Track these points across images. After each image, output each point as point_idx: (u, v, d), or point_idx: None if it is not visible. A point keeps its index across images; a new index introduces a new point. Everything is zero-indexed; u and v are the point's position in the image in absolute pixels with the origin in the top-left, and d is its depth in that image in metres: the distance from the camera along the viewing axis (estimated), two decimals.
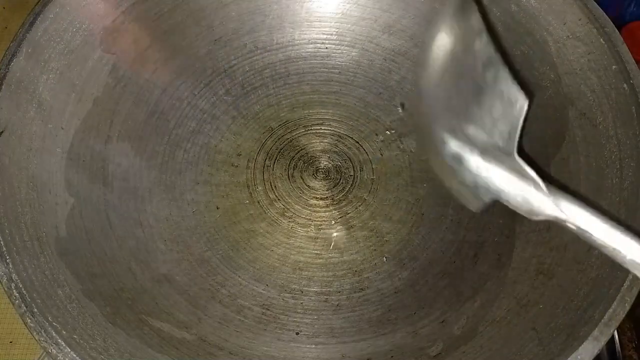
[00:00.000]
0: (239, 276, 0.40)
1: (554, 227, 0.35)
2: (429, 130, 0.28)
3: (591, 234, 0.23)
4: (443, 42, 0.27)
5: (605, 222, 0.23)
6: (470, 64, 0.26)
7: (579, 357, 0.28)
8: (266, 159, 0.44)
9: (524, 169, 0.24)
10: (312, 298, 0.39)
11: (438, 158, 0.28)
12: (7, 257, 0.29)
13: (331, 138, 0.44)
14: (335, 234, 0.41)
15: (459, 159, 0.27)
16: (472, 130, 0.26)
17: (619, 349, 0.41)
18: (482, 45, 0.26)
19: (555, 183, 0.25)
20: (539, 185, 0.24)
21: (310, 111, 0.45)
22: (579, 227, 0.23)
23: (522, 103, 0.24)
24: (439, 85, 0.27)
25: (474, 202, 0.27)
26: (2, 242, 0.30)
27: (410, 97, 0.28)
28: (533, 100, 0.38)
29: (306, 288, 0.39)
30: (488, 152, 0.26)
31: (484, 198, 0.26)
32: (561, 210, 0.24)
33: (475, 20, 0.26)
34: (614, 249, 0.23)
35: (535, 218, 0.25)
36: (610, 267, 0.30)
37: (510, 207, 0.25)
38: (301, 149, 0.44)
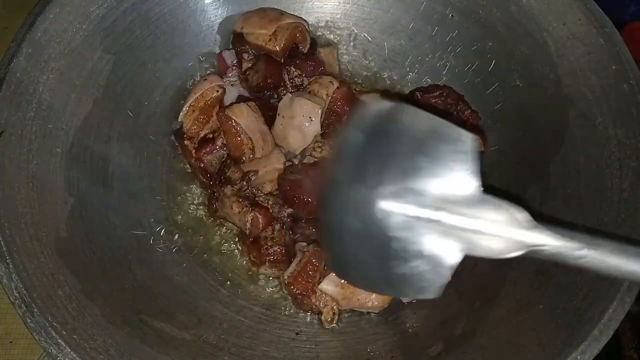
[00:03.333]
0: (239, 276, 0.40)
1: None
2: (364, 218, 0.24)
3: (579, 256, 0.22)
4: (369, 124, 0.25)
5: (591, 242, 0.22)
6: (404, 125, 0.24)
7: (578, 357, 0.28)
8: None
9: (496, 202, 0.22)
10: None
11: (378, 251, 0.24)
12: (7, 257, 0.29)
13: None
14: None
15: (409, 225, 0.23)
16: (422, 183, 0.23)
17: (619, 349, 0.41)
18: (407, 111, 0.25)
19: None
20: (516, 216, 0.22)
21: None
22: (559, 252, 0.22)
23: (469, 137, 0.23)
24: (374, 153, 0.24)
25: (435, 278, 0.23)
26: (2, 242, 0.30)
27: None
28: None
29: None
30: (444, 203, 0.23)
31: (448, 261, 0.23)
32: (546, 236, 0.22)
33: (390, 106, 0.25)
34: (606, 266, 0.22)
35: (509, 255, 0.22)
36: None
37: (480, 255, 0.23)
38: None
